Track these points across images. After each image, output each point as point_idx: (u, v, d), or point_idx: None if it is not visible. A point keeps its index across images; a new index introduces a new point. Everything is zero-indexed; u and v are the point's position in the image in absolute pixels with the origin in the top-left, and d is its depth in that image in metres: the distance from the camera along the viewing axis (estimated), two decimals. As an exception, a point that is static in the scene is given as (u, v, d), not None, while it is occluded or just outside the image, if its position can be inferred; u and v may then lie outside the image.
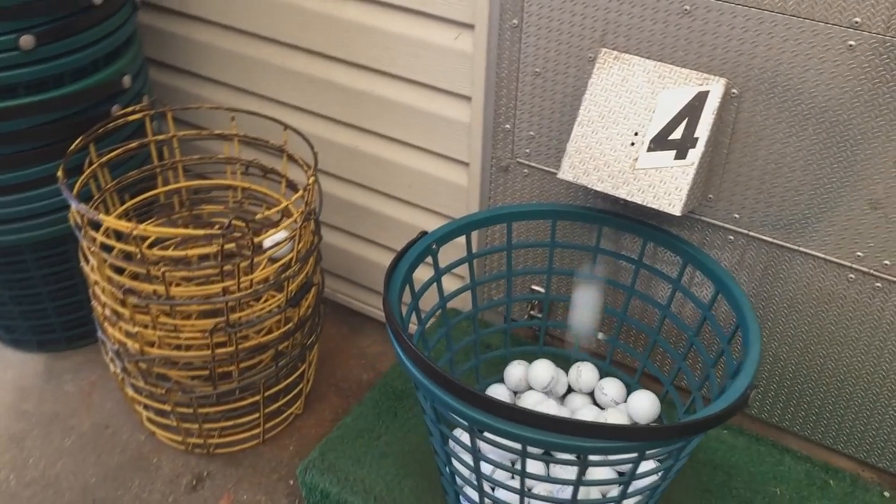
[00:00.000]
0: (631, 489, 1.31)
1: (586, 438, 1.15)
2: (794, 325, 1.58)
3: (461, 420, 1.22)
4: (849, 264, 1.46)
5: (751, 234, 1.53)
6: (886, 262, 1.43)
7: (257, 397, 1.76)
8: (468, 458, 1.35)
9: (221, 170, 1.89)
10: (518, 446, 1.23)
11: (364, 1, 1.73)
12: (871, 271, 1.45)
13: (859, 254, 1.44)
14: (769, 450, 1.69)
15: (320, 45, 1.84)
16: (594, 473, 1.47)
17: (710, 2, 1.35)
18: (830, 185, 1.41)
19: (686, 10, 1.38)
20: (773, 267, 1.54)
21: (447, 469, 1.43)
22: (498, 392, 1.69)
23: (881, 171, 1.35)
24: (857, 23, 1.26)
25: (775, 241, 1.51)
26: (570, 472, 1.45)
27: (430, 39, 1.68)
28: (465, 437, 1.31)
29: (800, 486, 1.62)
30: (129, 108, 1.76)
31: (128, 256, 1.64)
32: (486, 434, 1.26)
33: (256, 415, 1.81)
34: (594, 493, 1.45)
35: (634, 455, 1.21)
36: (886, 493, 1.61)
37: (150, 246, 1.81)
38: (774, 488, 1.62)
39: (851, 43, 1.28)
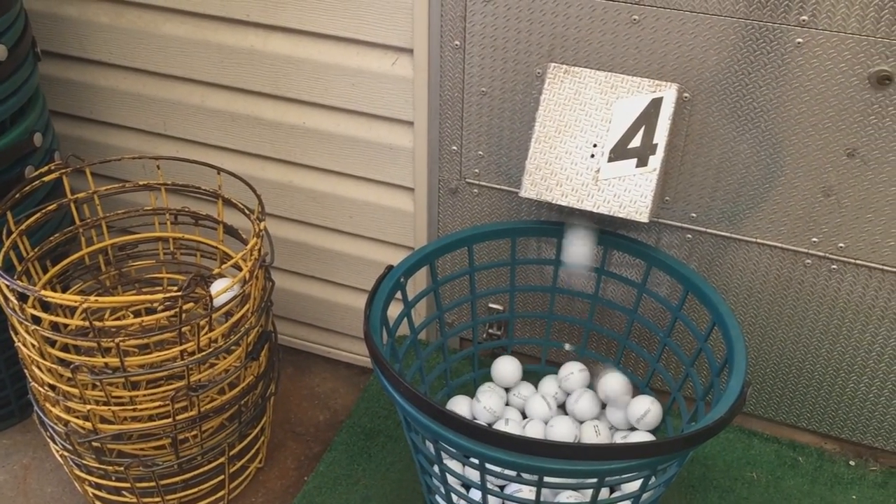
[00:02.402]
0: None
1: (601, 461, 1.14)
2: (753, 313, 1.63)
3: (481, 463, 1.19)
4: (805, 250, 1.52)
5: (708, 231, 1.56)
6: (841, 244, 1.49)
7: (221, 459, 1.66)
8: (467, 492, 1.31)
9: (149, 222, 1.77)
10: (534, 477, 1.20)
11: (290, 32, 1.66)
12: (827, 255, 1.51)
13: (815, 239, 1.50)
14: (738, 436, 1.74)
15: (243, 81, 1.75)
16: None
17: (658, 10, 1.37)
18: (784, 177, 1.45)
19: (635, 19, 1.39)
20: (731, 260, 1.58)
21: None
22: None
23: (832, 160, 1.41)
24: (804, 21, 1.30)
25: (733, 235, 1.55)
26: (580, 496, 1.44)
27: (365, 67, 1.63)
28: (466, 471, 1.28)
29: (772, 468, 1.67)
30: (45, 168, 1.62)
31: (56, 328, 1.51)
32: (493, 466, 1.22)
33: (221, 477, 1.70)
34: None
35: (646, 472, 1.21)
36: (852, 462, 1.69)
37: (69, 314, 1.67)
38: (750, 473, 1.67)
39: (799, 41, 1.32)
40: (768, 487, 1.62)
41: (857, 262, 1.49)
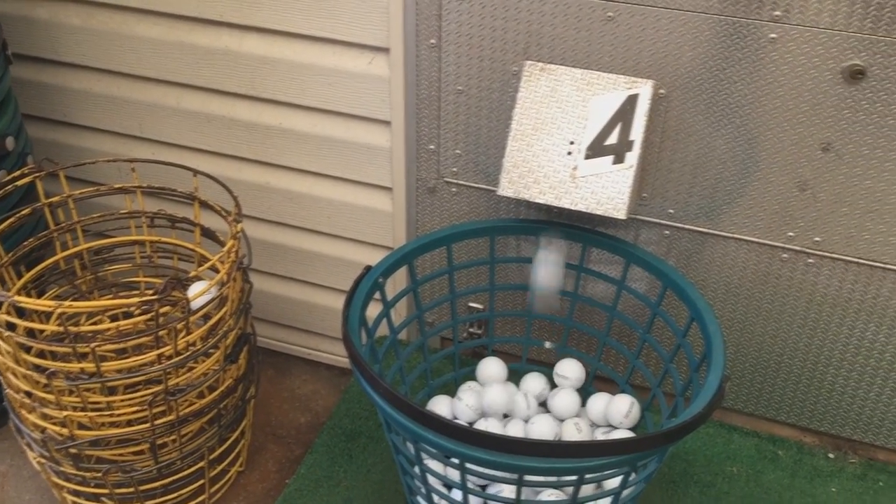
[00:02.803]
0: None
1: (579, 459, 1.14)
2: (732, 308, 1.64)
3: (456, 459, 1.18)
4: (781, 245, 1.53)
5: (686, 227, 1.57)
6: (817, 238, 1.50)
7: (201, 463, 1.64)
8: (448, 492, 1.31)
9: (125, 225, 1.75)
10: (514, 476, 1.20)
11: (265, 32, 1.65)
12: (803, 249, 1.52)
13: (791, 234, 1.51)
14: (718, 430, 1.75)
15: (218, 82, 1.74)
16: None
17: (632, 6, 1.37)
18: (759, 173, 1.46)
19: (609, 16, 1.39)
20: (709, 255, 1.58)
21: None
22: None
23: (807, 154, 1.42)
24: (777, 16, 1.31)
25: (710, 231, 1.56)
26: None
27: (341, 66, 1.62)
28: (447, 472, 1.28)
29: (753, 462, 1.68)
30: (18, 172, 1.60)
31: (31, 334, 1.48)
32: (473, 466, 1.22)
33: (201, 481, 1.68)
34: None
35: (625, 468, 1.21)
36: (831, 455, 1.70)
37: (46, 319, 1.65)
38: (731, 468, 1.67)
39: (773, 36, 1.33)
40: (749, 481, 1.63)
41: (834, 255, 1.50)
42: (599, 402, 1.61)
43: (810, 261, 1.52)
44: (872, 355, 1.59)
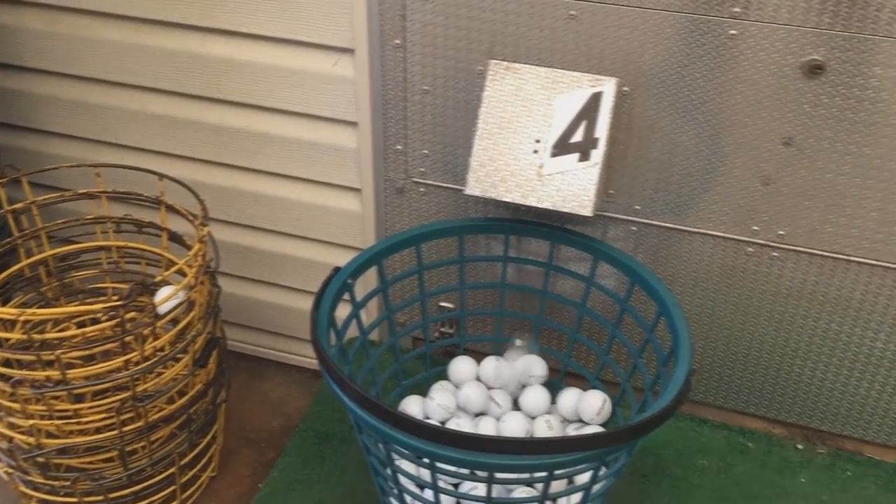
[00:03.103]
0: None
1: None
2: (699, 302, 1.65)
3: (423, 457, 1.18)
4: (746, 238, 1.54)
5: (653, 222, 1.58)
6: (781, 232, 1.51)
7: (172, 469, 1.63)
8: (421, 492, 1.31)
9: (91, 231, 1.73)
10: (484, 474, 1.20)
11: (230, 35, 1.64)
12: (768, 242, 1.54)
13: (755, 227, 1.53)
14: (689, 424, 1.76)
15: (184, 86, 1.73)
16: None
17: (594, 5, 1.38)
18: (724, 168, 1.48)
19: (572, 14, 1.40)
20: (676, 251, 1.60)
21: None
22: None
23: (769, 149, 1.44)
24: (736, 13, 1.32)
25: (676, 226, 1.57)
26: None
27: (306, 68, 1.62)
28: (416, 471, 1.28)
29: (723, 454, 1.70)
30: (-21, 179, 1.58)
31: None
32: (443, 465, 1.22)
33: (172, 487, 1.67)
34: None
35: (595, 462, 1.22)
36: (800, 446, 1.72)
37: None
38: (702, 461, 1.69)
39: (733, 32, 1.34)
40: (719, 474, 1.65)
41: (797, 248, 1.52)
42: (570, 398, 1.61)
43: (775, 254, 1.54)
44: (838, 346, 1.61)
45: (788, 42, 1.33)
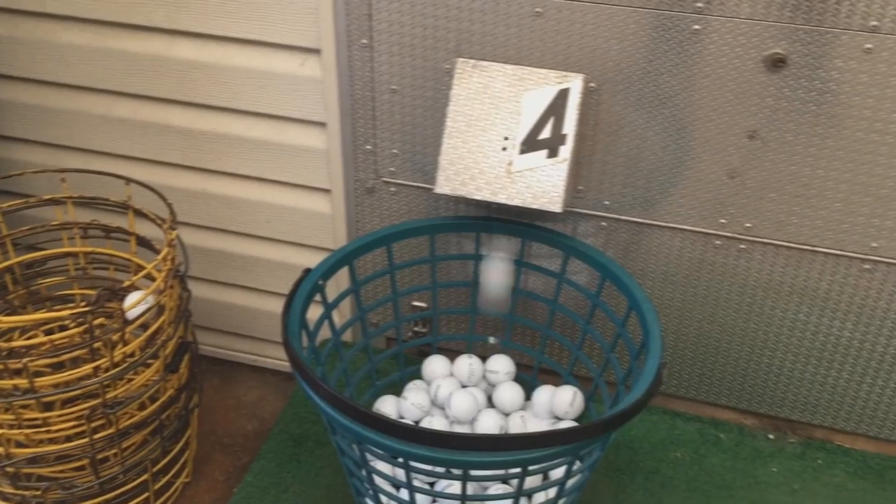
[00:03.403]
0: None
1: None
2: (669, 296, 1.67)
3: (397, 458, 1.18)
4: (714, 232, 1.56)
5: (622, 218, 1.59)
6: (748, 224, 1.53)
7: (145, 476, 1.62)
8: (396, 492, 1.31)
9: (57, 237, 1.71)
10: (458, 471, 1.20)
11: (195, 37, 1.63)
12: (735, 235, 1.55)
13: (722, 221, 1.54)
14: (661, 417, 1.78)
15: (149, 89, 1.71)
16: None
17: (560, 2, 1.39)
18: (691, 162, 1.49)
19: (538, 12, 1.41)
20: (646, 245, 1.61)
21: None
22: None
23: (735, 143, 1.45)
24: (699, 8, 1.34)
25: (645, 221, 1.58)
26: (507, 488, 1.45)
27: (273, 69, 1.61)
28: (391, 471, 1.28)
29: (696, 446, 1.71)
30: (-59, 186, 1.55)
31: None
32: (417, 464, 1.22)
33: (146, 494, 1.66)
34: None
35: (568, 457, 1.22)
36: (771, 436, 1.74)
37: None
38: (675, 453, 1.70)
39: (696, 27, 1.36)
40: (692, 465, 1.66)
41: (764, 240, 1.54)
42: (544, 395, 1.62)
43: (742, 246, 1.56)
44: (805, 336, 1.63)
45: (751, 36, 1.34)
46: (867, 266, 1.52)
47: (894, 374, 1.62)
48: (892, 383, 1.64)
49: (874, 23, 1.29)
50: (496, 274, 1.63)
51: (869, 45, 1.31)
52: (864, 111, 1.36)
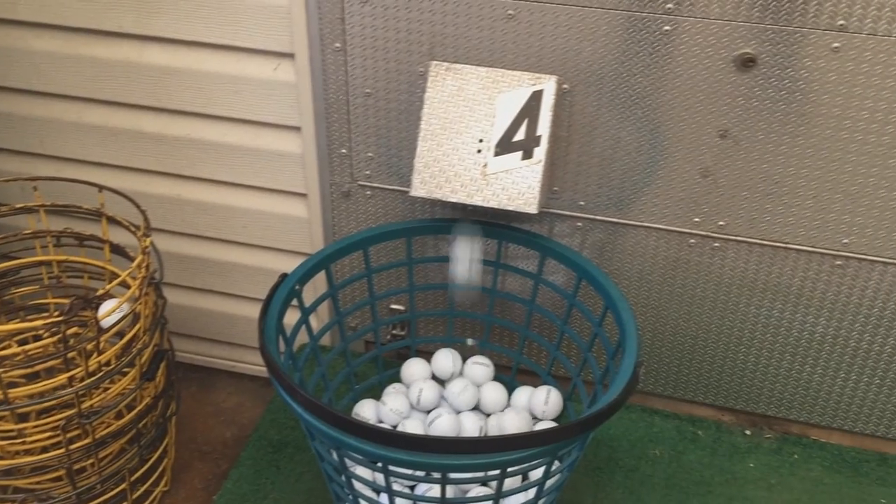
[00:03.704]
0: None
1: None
2: (646, 295, 1.68)
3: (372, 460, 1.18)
4: (688, 230, 1.57)
5: (597, 218, 1.60)
6: (721, 222, 1.55)
7: (123, 486, 1.60)
8: (377, 497, 1.31)
9: (30, 246, 1.69)
10: (433, 474, 1.20)
11: (166, 42, 1.62)
12: (709, 233, 1.57)
13: (696, 219, 1.56)
14: (640, 415, 1.79)
15: (121, 95, 1.70)
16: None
17: (532, 4, 1.39)
18: (664, 161, 1.50)
19: (510, 14, 1.41)
20: (621, 245, 1.62)
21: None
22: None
23: (707, 142, 1.47)
24: (669, 9, 1.35)
25: (620, 220, 1.59)
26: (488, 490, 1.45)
27: (247, 73, 1.60)
28: (370, 476, 1.28)
29: (674, 443, 1.73)
30: None
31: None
32: (396, 468, 1.22)
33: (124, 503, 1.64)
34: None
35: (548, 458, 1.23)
36: (748, 432, 1.76)
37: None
38: (653, 450, 1.71)
39: (667, 28, 1.37)
40: (671, 463, 1.67)
41: (738, 238, 1.55)
42: (523, 396, 1.63)
43: (716, 244, 1.57)
44: (780, 332, 1.65)
45: (721, 36, 1.36)
46: (839, 262, 1.54)
47: (867, 368, 1.64)
48: (866, 377, 1.66)
49: (841, 22, 1.31)
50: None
51: (836, 44, 1.32)
52: (833, 109, 1.38)
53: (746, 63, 1.37)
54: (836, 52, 1.33)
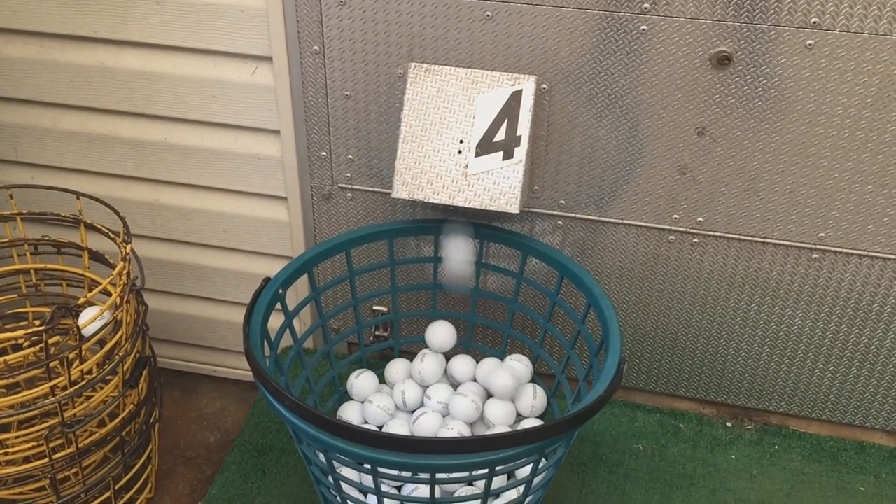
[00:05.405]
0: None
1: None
2: (626, 291, 1.69)
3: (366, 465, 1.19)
4: (668, 227, 1.59)
5: (578, 216, 1.61)
6: (700, 218, 1.56)
7: (107, 494, 1.59)
8: (364, 498, 1.31)
9: (7, 254, 1.67)
10: (413, 475, 1.21)
11: (142, 46, 1.61)
12: (688, 230, 1.58)
13: (675, 216, 1.57)
14: (622, 410, 1.81)
15: (97, 100, 1.68)
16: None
17: (509, 5, 1.40)
18: (643, 159, 1.52)
19: (488, 15, 1.42)
20: (602, 242, 1.63)
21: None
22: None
23: (684, 139, 1.48)
24: (646, 8, 1.36)
25: (600, 218, 1.61)
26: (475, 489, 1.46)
27: (225, 77, 1.60)
28: (358, 477, 1.28)
29: (657, 437, 1.75)
30: None
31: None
32: (384, 469, 1.23)
33: (109, 512, 1.63)
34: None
35: (535, 456, 1.24)
36: (729, 424, 1.78)
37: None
38: (637, 445, 1.73)
39: (644, 27, 1.38)
40: (654, 456, 1.69)
41: (716, 234, 1.57)
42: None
43: (695, 240, 1.59)
44: (758, 325, 1.67)
45: (697, 35, 1.37)
46: (815, 255, 1.56)
47: (844, 359, 1.67)
48: (843, 368, 1.69)
49: (815, 19, 1.33)
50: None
51: (810, 42, 1.34)
52: (808, 105, 1.40)
53: (722, 61, 1.38)
54: (810, 49, 1.35)
